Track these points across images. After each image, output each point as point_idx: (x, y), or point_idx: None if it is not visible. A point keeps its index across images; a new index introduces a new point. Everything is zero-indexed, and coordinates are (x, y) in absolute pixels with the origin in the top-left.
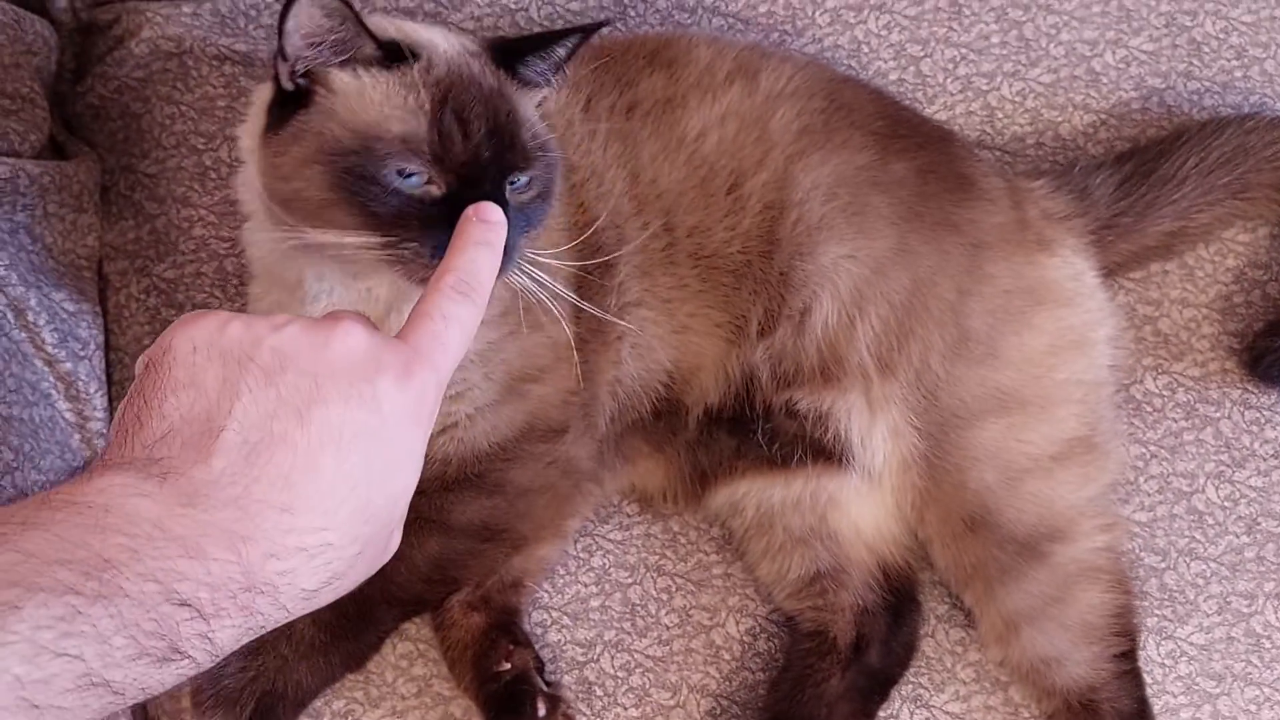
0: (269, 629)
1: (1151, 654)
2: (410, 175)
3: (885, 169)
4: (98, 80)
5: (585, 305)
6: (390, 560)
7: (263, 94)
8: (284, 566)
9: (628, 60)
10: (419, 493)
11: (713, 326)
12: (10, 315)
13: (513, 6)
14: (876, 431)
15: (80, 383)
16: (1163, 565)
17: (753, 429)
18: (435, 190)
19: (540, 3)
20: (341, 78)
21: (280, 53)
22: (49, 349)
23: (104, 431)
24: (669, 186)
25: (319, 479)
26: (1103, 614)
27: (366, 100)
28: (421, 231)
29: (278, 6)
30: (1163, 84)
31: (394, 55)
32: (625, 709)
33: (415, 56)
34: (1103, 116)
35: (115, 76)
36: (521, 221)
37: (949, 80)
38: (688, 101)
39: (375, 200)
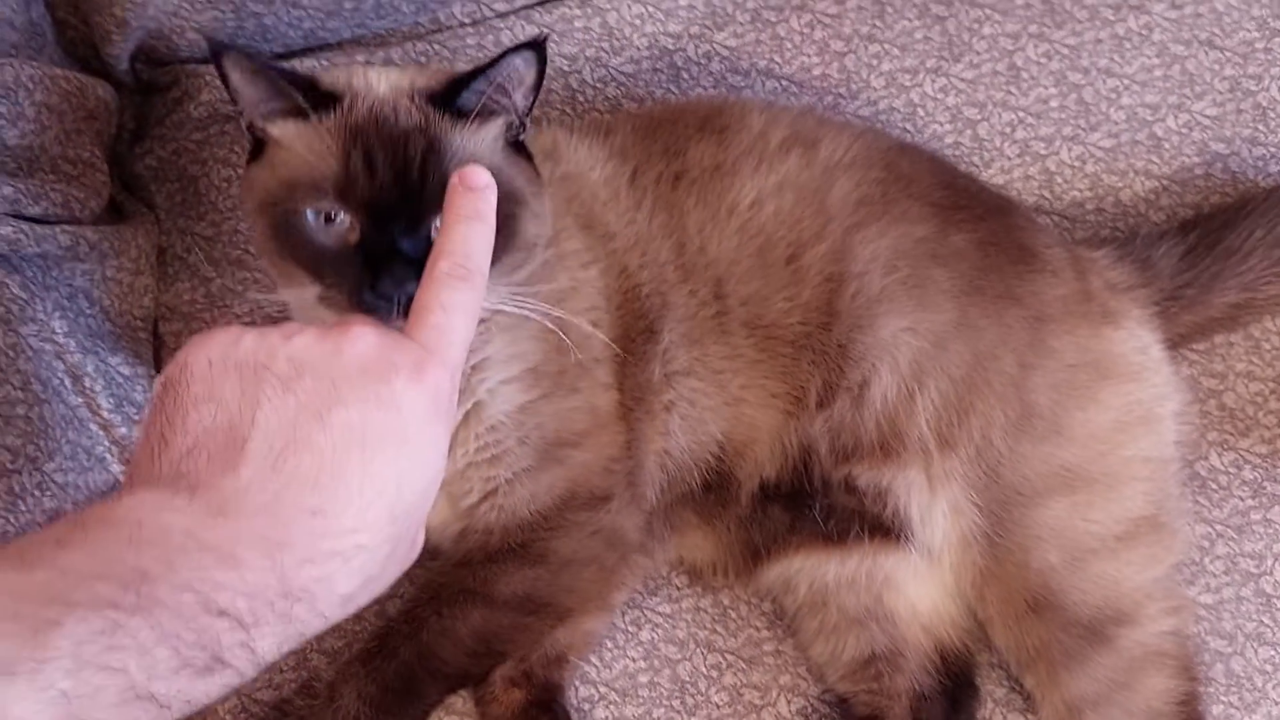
0: (309, 636)
1: None
2: (329, 220)
3: (945, 241)
4: (156, 142)
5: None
6: (434, 635)
7: None
8: (319, 572)
9: (677, 128)
10: (463, 564)
11: (769, 398)
12: (68, 382)
13: (565, 69)
14: (937, 508)
15: (134, 447)
16: (1229, 650)
17: (809, 504)
18: (352, 235)
19: (593, 65)
20: (278, 128)
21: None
22: (105, 414)
23: None
24: (719, 255)
25: (347, 481)
26: (1168, 701)
27: (292, 150)
28: (339, 276)
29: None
30: (1227, 150)
31: (321, 104)
32: None
33: (338, 102)
34: (1165, 183)
35: (173, 139)
36: None
37: (1006, 144)
38: (739, 169)
39: (302, 248)
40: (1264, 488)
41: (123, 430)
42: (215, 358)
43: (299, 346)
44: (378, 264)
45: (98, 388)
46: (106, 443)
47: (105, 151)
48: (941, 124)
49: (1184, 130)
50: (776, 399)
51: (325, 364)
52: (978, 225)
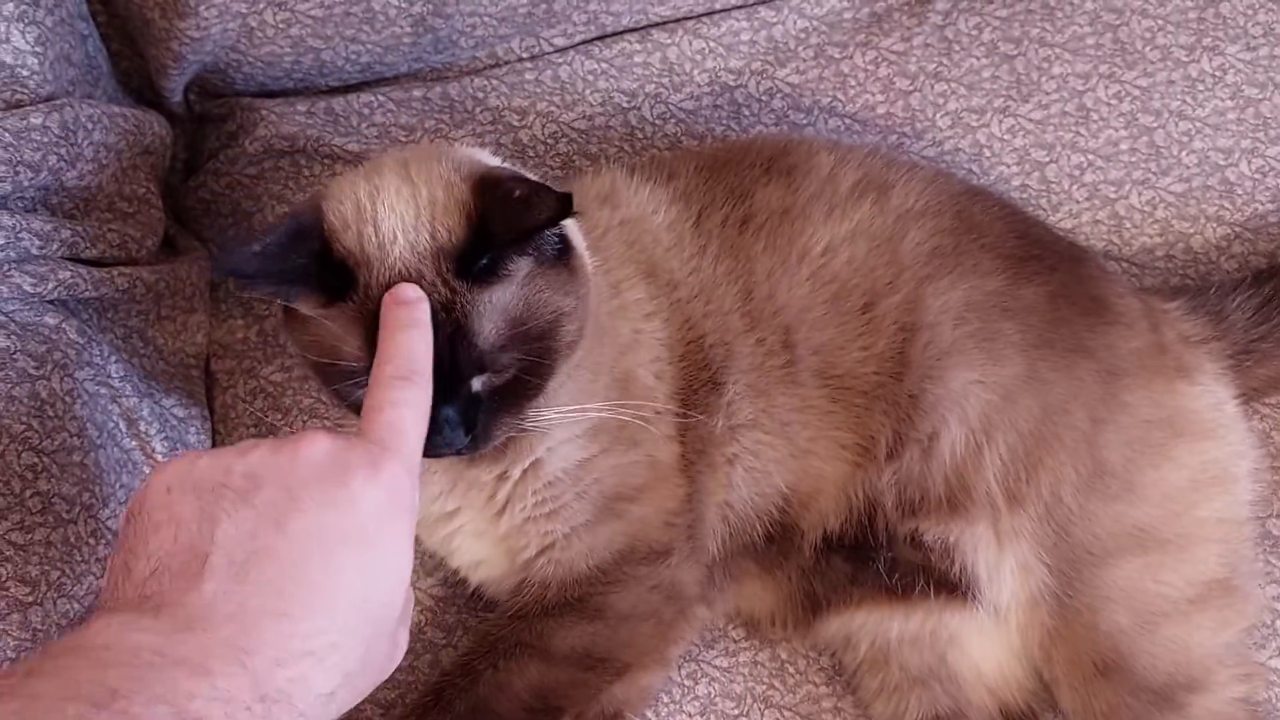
0: None
1: None
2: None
3: (1016, 295)
4: (210, 176)
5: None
6: (490, 688)
7: None
8: (293, 673)
9: (742, 169)
10: (519, 616)
11: (838, 449)
12: (123, 425)
13: (625, 105)
14: (1005, 566)
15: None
16: None
17: (873, 557)
18: None
19: (653, 101)
20: (303, 305)
21: None
22: (158, 457)
23: None
24: (789, 302)
25: (311, 583)
26: None
27: (321, 327)
28: None
29: (391, 105)
30: None
31: (337, 284)
32: None
33: (354, 281)
34: (1237, 229)
35: (228, 173)
36: (500, 402)
37: (1075, 187)
38: (809, 214)
39: (350, 400)
40: None
41: None
42: (173, 483)
43: (254, 460)
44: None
45: (152, 431)
46: None
47: (160, 186)
48: (1009, 165)
49: (1258, 175)
50: (845, 450)
51: (281, 474)
52: (1049, 277)
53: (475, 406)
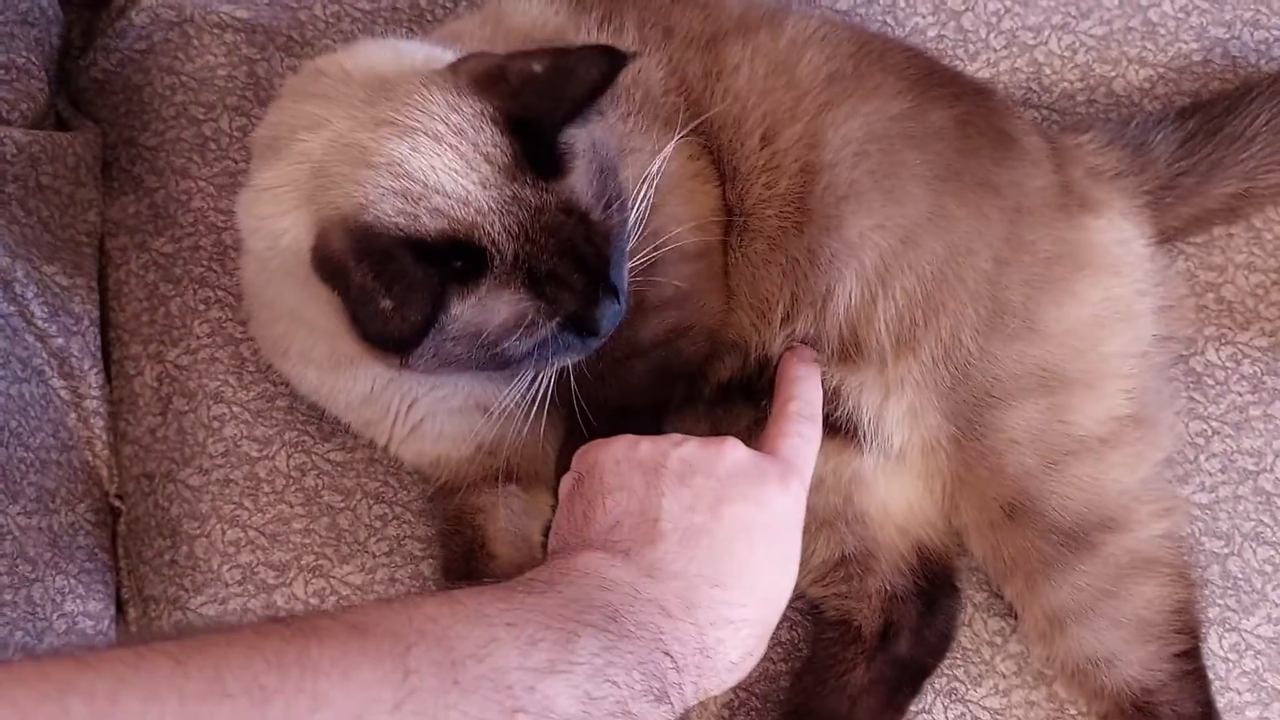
0: (706, 695)
1: (1213, 647)
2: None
3: (922, 119)
4: (100, 53)
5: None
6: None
7: None
8: (720, 635)
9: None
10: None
11: (745, 301)
12: None
13: None
14: (892, 412)
15: (74, 359)
16: (1226, 551)
17: (764, 401)
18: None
19: None
20: (462, 306)
21: None
22: (39, 323)
23: (100, 410)
24: (714, 115)
25: (736, 562)
26: (1160, 609)
27: (481, 311)
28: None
29: None
30: (1226, 34)
31: (469, 276)
32: None
33: (478, 257)
34: (1160, 70)
35: (117, 49)
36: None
37: (992, 35)
38: (726, 36)
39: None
40: (1264, 382)
41: (60, 341)
42: (621, 458)
43: (687, 451)
44: (592, 312)
45: (29, 294)
46: (44, 355)
47: (45, 62)
48: (924, 16)
49: (1181, 15)
50: (749, 309)
51: (709, 466)
52: (956, 103)
53: (609, 277)
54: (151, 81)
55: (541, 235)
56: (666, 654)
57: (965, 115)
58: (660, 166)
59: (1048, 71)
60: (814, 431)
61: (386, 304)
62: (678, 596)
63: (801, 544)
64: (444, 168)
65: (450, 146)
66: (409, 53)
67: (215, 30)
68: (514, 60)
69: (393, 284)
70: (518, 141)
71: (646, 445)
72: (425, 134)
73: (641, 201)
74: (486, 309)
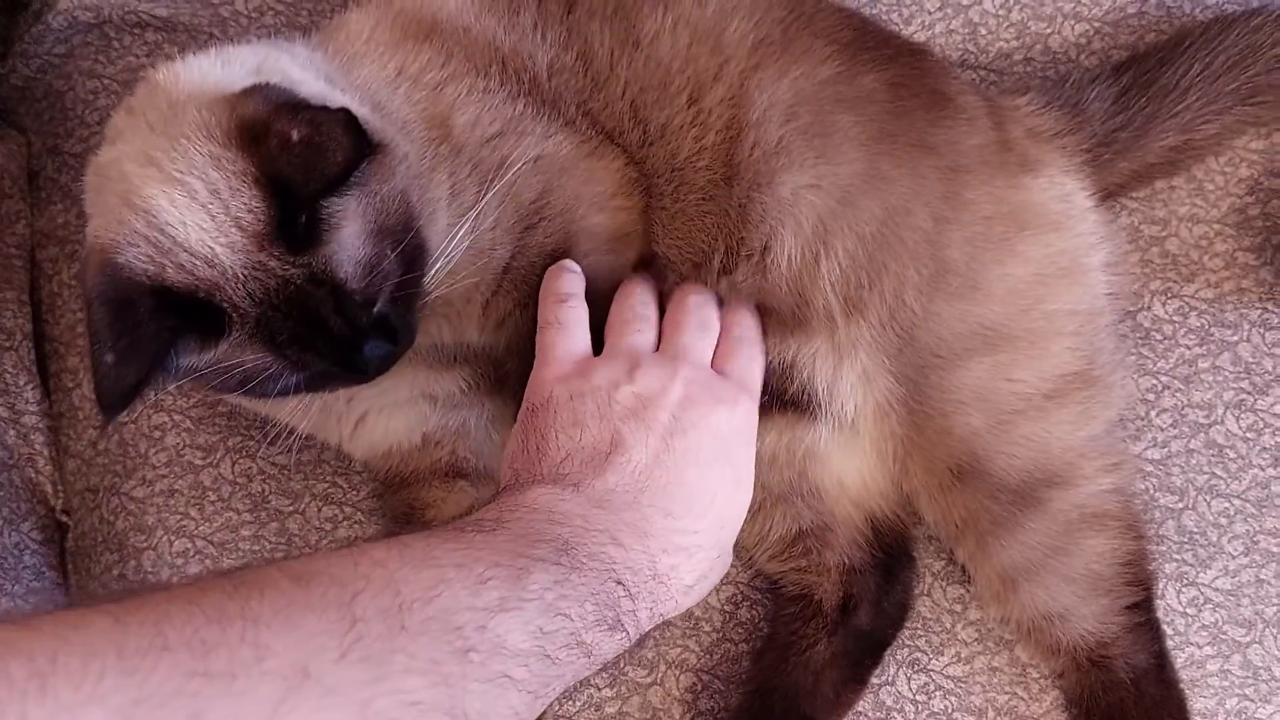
0: (664, 618)
1: (1172, 603)
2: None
3: (853, 83)
4: (19, 60)
5: None
6: None
7: None
8: (672, 561)
9: None
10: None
11: (684, 254)
12: None
13: None
14: (844, 378)
15: (8, 375)
16: (1180, 505)
17: None
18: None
19: None
20: (198, 359)
21: None
22: None
23: (40, 425)
24: (630, 79)
25: (688, 490)
26: (1111, 563)
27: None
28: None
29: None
30: None
31: (211, 328)
32: (599, 689)
33: (223, 317)
34: (1096, 25)
35: (36, 54)
36: (405, 290)
37: None
38: (640, 7)
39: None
40: (1211, 334)
41: None
42: (574, 391)
43: (641, 384)
44: (351, 358)
45: None
46: None
47: None
48: None
49: None
50: (689, 259)
51: (661, 396)
52: (888, 65)
53: (386, 320)
54: (74, 86)
55: (285, 305)
56: (619, 583)
57: (898, 77)
58: (536, 152)
59: (983, 31)
60: (758, 351)
61: (109, 358)
62: (629, 526)
63: (759, 521)
64: (195, 225)
65: (203, 206)
66: (218, 70)
67: (135, 30)
68: (279, 117)
69: (120, 337)
70: (275, 206)
71: (600, 375)
72: (182, 190)
73: (506, 190)
74: (231, 360)
